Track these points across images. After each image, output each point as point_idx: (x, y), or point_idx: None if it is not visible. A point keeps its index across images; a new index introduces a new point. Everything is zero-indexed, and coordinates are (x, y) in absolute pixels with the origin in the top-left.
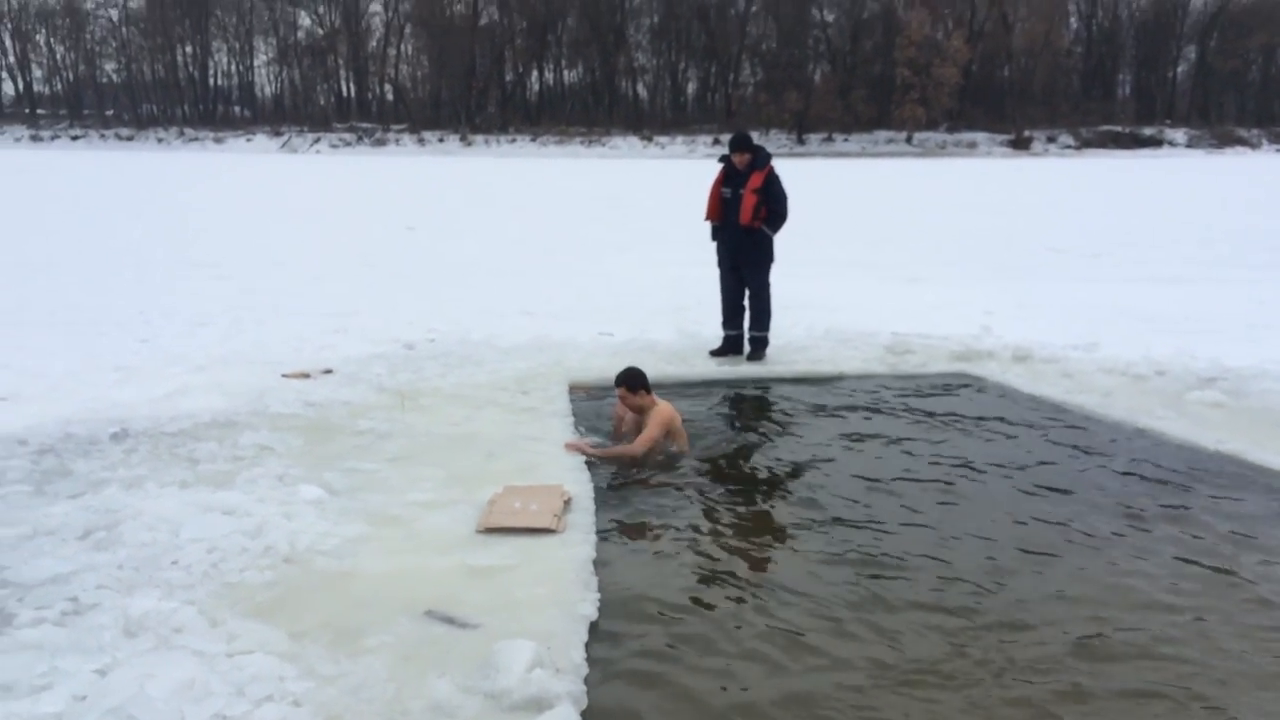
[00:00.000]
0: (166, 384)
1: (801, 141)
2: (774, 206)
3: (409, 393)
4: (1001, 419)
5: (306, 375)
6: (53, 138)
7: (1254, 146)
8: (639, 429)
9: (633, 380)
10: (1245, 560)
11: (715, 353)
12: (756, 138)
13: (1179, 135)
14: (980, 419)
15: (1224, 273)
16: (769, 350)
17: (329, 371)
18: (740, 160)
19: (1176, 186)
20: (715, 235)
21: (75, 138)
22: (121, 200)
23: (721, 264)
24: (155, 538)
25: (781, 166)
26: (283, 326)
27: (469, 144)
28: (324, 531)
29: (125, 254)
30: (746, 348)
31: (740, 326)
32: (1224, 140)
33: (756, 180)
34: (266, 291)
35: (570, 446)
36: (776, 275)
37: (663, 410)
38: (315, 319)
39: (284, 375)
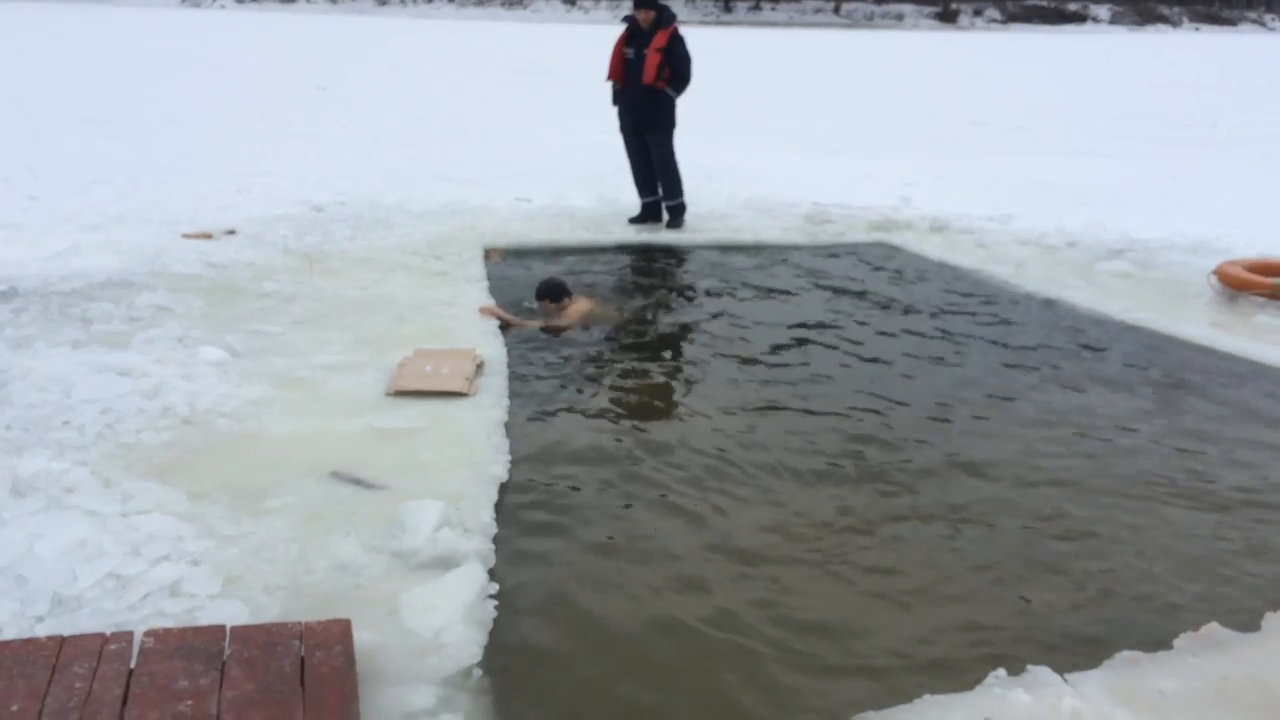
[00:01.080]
0: (58, 242)
1: (728, 9)
2: (677, 67)
3: (316, 255)
4: (915, 286)
5: (208, 236)
6: None
7: (1175, 24)
8: (553, 326)
9: (555, 291)
10: (1142, 425)
11: (634, 220)
12: (683, 6)
13: (1103, 11)
14: (895, 286)
15: (1140, 148)
16: (688, 217)
17: (232, 232)
18: (644, 18)
19: (1098, 62)
20: (616, 99)
21: None
22: (8, 54)
23: (624, 129)
24: (45, 398)
25: (707, 35)
26: (183, 186)
27: (384, 3)
28: (225, 393)
29: (12, 109)
30: (665, 215)
31: (656, 192)
32: (1146, 17)
33: (660, 39)
34: (165, 150)
35: (485, 311)
36: (698, 144)
37: (583, 303)
38: (218, 179)
39: (184, 235)
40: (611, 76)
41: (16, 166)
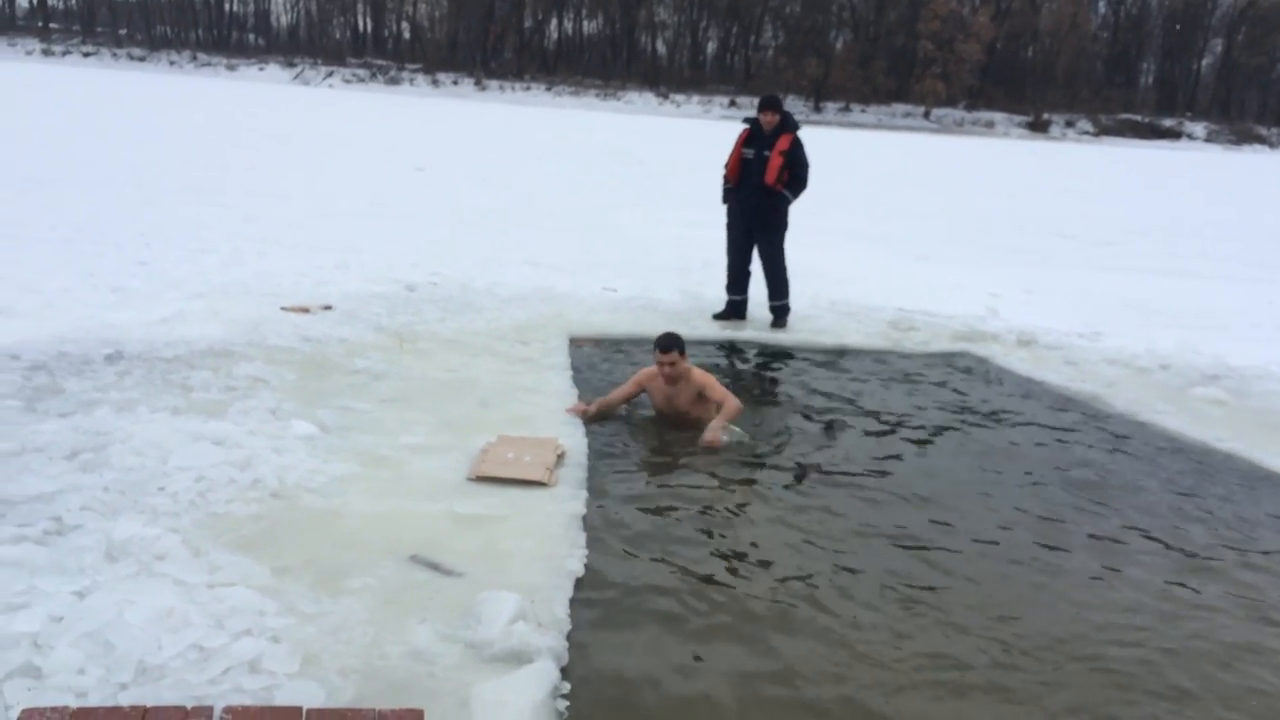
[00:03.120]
0: (164, 308)
1: (819, 109)
2: (797, 171)
3: (407, 335)
4: (1001, 402)
5: (306, 310)
6: (64, 53)
7: (1272, 145)
8: (666, 399)
9: (683, 344)
10: (1240, 561)
11: (718, 316)
12: None
13: (1198, 128)
14: (980, 401)
15: (1233, 270)
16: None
17: (328, 308)
18: (768, 121)
19: (1192, 180)
20: (727, 197)
21: (87, 54)
22: (130, 121)
23: (732, 227)
24: (143, 463)
25: None
26: (284, 259)
27: (483, 88)
28: (313, 469)
29: (129, 175)
30: (750, 313)
31: (744, 292)
32: (1243, 137)
33: (784, 142)
34: (270, 223)
35: (572, 411)
36: (787, 243)
37: (703, 373)
38: (318, 254)
39: (283, 308)
40: (730, 175)
41: (130, 232)
